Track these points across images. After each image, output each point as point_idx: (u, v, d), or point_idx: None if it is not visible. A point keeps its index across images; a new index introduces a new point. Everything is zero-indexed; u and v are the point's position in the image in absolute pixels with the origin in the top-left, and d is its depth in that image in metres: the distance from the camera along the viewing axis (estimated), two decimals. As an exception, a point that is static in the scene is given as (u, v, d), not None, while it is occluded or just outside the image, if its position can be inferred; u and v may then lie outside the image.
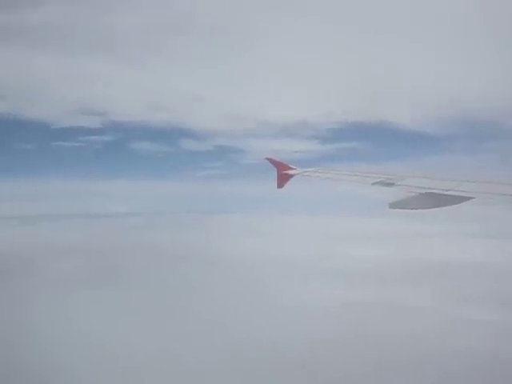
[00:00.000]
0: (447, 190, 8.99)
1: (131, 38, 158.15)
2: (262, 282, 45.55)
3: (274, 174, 13.71)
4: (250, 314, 36.20)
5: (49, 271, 50.02)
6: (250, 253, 57.73)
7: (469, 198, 8.62)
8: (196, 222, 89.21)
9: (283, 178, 13.14)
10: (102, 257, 57.54)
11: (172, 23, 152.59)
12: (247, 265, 52.52)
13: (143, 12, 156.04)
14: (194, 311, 36.93)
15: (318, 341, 30.67)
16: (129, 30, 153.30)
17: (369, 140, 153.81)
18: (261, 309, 37.25)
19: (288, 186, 13.14)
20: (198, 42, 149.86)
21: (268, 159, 13.96)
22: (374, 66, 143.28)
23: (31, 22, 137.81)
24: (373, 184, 10.24)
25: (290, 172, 13.13)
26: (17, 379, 26.33)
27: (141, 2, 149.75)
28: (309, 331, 32.28)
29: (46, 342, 31.15)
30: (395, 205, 9.26)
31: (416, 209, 9.15)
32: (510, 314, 34.33)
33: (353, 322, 34.26)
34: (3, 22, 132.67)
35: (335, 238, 65.72)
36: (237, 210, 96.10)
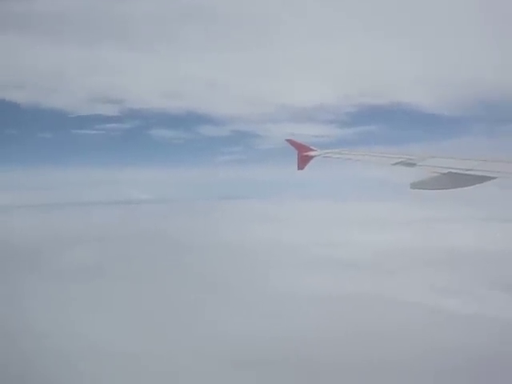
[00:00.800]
0: (468, 170, 8.90)
1: (146, 25, 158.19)
2: (274, 269, 45.35)
3: (294, 158, 13.49)
4: (254, 302, 36.02)
5: (61, 260, 50.42)
6: (263, 239, 57.73)
7: (491, 178, 8.54)
8: (214, 209, 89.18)
9: (304, 160, 12.96)
10: (120, 244, 58.31)
11: (187, 10, 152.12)
12: (259, 252, 52.45)
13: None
14: (198, 300, 36.94)
15: (324, 332, 30.28)
16: (144, 17, 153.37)
17: (387, 123, 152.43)
18: (267, 298, 36.91)
19: (308, 168, 13.04)
20: (214, 28, 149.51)
21: (288, 141, 13.81)
22: (389, 48, 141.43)
23: (48, 12, 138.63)
24: (393, 164, 10.17)
25: (311, 153, 12.94)
26: (22, 373, 26.22)
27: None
28: (314, 322, 31.92)
29: (55, 333, 31.32)
30: (417, 185, 9.21)
31: (438, 189, 9.08)
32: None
33: (364, 313, 33.79)
34: (20, 13, 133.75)
35: (353, 224, 65.15)
36: (255, 196, 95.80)
